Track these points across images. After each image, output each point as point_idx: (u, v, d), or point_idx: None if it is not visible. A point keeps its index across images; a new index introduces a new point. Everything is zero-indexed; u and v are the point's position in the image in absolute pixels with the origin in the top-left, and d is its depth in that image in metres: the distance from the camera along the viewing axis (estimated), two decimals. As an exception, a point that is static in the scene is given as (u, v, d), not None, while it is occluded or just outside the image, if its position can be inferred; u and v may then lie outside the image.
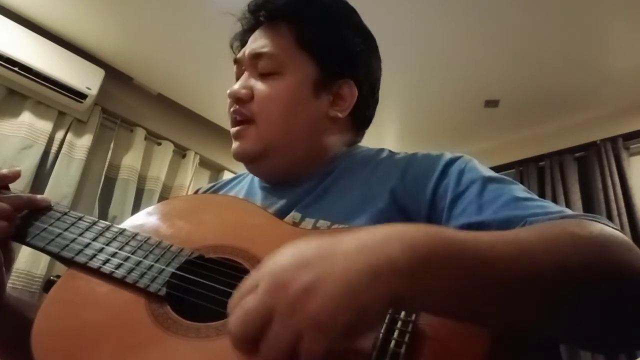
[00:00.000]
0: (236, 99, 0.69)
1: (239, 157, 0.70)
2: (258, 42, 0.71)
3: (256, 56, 0.70)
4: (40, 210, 0.63)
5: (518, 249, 0.40)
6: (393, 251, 0.36)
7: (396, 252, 0.36)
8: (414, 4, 2.05)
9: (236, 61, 0.74)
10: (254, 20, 0.74)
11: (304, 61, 0.70)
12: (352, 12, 0.77)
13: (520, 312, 0.40)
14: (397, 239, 0.37)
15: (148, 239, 0.59)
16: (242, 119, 0.69)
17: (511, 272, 0.39)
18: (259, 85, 0.69)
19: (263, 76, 0.69)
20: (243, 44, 0.75)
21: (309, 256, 0.37)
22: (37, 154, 2.37)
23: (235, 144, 0.70)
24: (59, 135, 2.50)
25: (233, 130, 0.70)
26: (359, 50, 0.73)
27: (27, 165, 2.31)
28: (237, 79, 0.73)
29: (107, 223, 0.61)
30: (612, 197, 2.27)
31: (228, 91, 0.70)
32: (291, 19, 0.70)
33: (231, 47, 0.79)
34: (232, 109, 0.70)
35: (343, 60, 0.72)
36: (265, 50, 0.69)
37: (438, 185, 0.60)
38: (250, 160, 0.70)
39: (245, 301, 0.36)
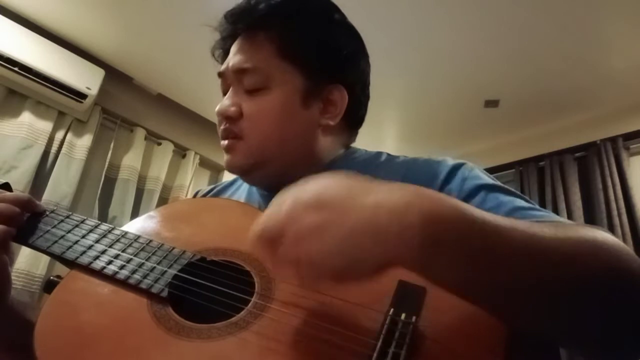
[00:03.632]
0: (225, 117, 0.68)
1: (231, 170, 0.70)
2: (239, 56, 0.68)
3: (240, 71, 0.68)
4: (39, 214, 0.63)
5: (529, 236, 0.40)
6: (407, 219, 0.37)
7: (410, 221, 0.36)
8: (414, 4, 2.05)
9: (220, 75, 0.72)
10: (233, 29, 0.72)
11: (289, 72, 0.67)
12: (335, 10, 0.74)
13: (524, 300, 0.40)
14: (418, 208, 0.37)
15: (150, 241, 0.59)
16: (232, 136, 0.68)
17: (521, 258, 0.39)
18: (247, 103, 0.67)
19: (249, 92, 0.67)
20: (225, 51, 0.74)
21: (330, 199, 0.39)
22: (37, 154, 2.37)
23: (226, 157, 0.69)
24: (59, 135, 2.50)
25: (223, 143, 0.69)
26: (346, 53, 0.71)
27: (27, 165, 2.31)
28: (223, 92, 0.71)
29: (110, 225, 0.61)
30: (612, 197, 2.27)
31: (216, 109, 0.68)
32: (273, 28, 0.68)
33: (213, 55, 0.77)
34: (221, 127, 0.68)
35: (330, 66, 0.70)
36: (248, 65, 0.67)
37: (441, 191, 0.60)
38: (243, 172, 0.70)
39: (268, 215, 0.41)
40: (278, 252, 0.40)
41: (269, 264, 0.50)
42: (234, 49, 0.71)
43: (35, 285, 2.21)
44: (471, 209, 0.41)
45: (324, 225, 0.38)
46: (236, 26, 0.71)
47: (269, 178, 0.70)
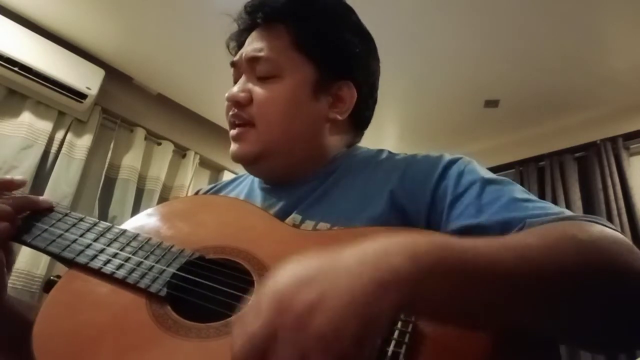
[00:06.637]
0: (235, 102, 0.69)
1: (238, 158, 0.70)
2: (255, 45, 0.70)
3: (254, 59, 0.69)
4: (42, 211, 0.63)
5: (519, 256, 0.40)
6: (395, 261, 0.35)
7: (399, 262, 0.35)
8: (414, 3, 2.05)
9: (233, 64, 0.74)
10: (251, 21, 0.73)
11: (302, 63, 0.69)
12: (351, 12, 0.76)
13: (521, 316, 0.40)
14: (398, 249, 0.37)
15: (149, 239, 0.59)
16: (241, 123, 0.69)
17: (512, 279, 0.39)
18: (258, 89, 0.68)
19: (261, 79, 0.69)
20: (239, 44, 0.75)
21: (311, 273, 0.36)
22: (37, 154, 2.37)
23: (234, 146, 0.70)
24: (59, 135, 2.50)
25: (232, 132, 0.70)
26: (358, 52, 0.73)
27: (27, 165, 2.31)
28: (235, 81, 0.72)
29: (108, 224, 0.61)
30: (612, 197, 2.27)
31: (226, 95, 0.70)
32: (289, 20, 0.70)
33: (227, 47, 0.78)
34: (230, 113, 0.70)
35: (342, 62, 0.72)
36: (262, 54, 0.69)
37: (437, 186, 0.60)
38: (249, 162, 0.70)
39: (248, 324, 0.35)
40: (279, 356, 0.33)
41: None
42: (249, 39, 0.72)
43: (35, 285, 2.20)
44: (448, 239, 0.41)
45: (320, 298, 0.33)
46: (255, 16, 0.72)
47: (274, 169, 0.71)
